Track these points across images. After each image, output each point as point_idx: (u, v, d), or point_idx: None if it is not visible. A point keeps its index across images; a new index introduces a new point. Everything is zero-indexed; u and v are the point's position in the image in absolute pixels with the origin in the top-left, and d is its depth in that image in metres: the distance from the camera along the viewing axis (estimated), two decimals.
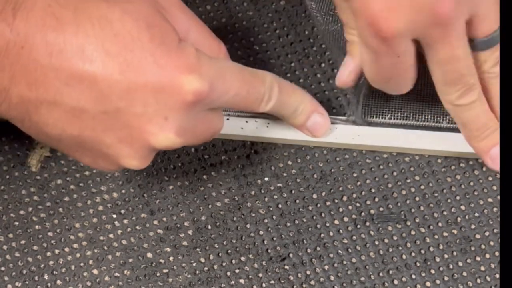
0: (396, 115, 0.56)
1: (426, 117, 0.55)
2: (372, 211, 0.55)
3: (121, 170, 0.52)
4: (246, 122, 0.56)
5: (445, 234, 0.54)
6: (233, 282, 0.53)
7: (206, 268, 0.54)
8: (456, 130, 0.55)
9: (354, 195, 0.55)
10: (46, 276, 0.54)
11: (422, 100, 0.56)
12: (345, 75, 0.53)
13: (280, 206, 0.55)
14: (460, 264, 0.53)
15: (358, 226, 0.54)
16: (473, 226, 0.54)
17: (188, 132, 0.46)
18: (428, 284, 0.53)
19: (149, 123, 0.45)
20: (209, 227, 0.55)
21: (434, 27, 0.46)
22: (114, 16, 0.44)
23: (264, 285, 0.53)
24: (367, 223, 0.54)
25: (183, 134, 0.46)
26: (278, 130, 0.56)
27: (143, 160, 0.47)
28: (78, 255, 0.54)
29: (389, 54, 0.47)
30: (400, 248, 0.54)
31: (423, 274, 0.53)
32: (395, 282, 0.53)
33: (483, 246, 0.54)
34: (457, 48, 0.47)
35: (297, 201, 0.55)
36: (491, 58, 0.49)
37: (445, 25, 0.46)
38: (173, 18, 0.47)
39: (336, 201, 0.55)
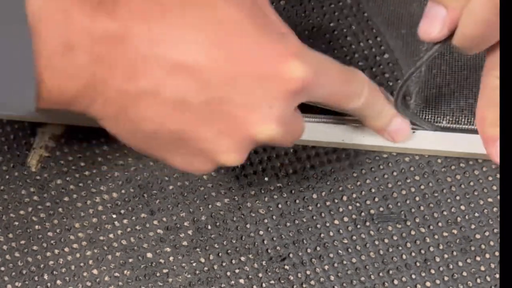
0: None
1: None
2: (372, 211, 0.55)
3: (214, 168, 0.48)
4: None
5: (445, 234, 0.54)
6: (233, 282, 0.53)
7: (206, 268, 0.54)
8: (455, 130, 0.55)
9: (354, 195, 0.55)
10: (46, 276, 0.54)
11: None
12: (436, 30, 0.47)
13: (280, 206, 0.55)
14: (460, 264, 0.53)
15: (358, 226, 0.54)
16: (473, 226, 0.54)
17: (287, 125, 0.45)
18: (428, 284, 0.53)
19: (253, 112, 0.44)
20: (209, 227, 0.55)
21: None
22: (219, 3, 0.43)
23: (264, 285, 0.53)
24: (367, 223, 0.54)
25: (283, 126, 0.45)
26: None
27: (241, 153, 0.45)
28: (78, 255, 0.54)
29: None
30: (400, 248, 0.54)
31: (423, 274, 0.53)
32: (395, 282, 0.53)
33: (483, 246, 0.54)
34: None
35: (297, 201, 0.55)
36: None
37: None
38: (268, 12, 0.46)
39: (336, 201, 0.55)
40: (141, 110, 0.43)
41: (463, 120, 0.55)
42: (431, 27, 0.47)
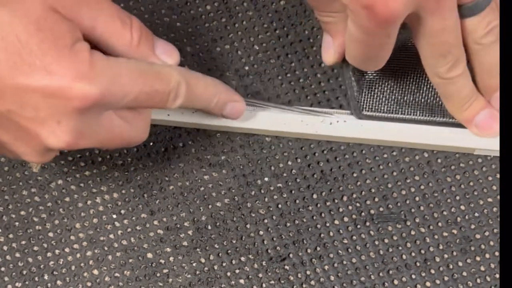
0: (392, 109, 0.56)
1: (422, 112, 0.55)
2: (372, 211, 0.55)
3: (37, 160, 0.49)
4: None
5: (445, 234, 0.54)
6: (233, 282, 0.53)
7: (206, 268, 0.54)
8: (447, 124, 0.55)
9: (354, 195, 0.55)
10: (46, 277, 0.54)
11: (419, 94, 0.56)
12: (331, 56, 0.55)
13: (280, 206, 0.55)
14: (460, 264, 0.53)
15: (358, 226, 0.54)
16: (473, 226, 0.54)
17: (87, 135, 0.46)
18: (428, 284, 0.53)
19: (41, 127, 0.45)
20: (209, 227, 0.55)
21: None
22: (3, 18, 0.43)
23: (264, 285, 0.53)
24: (367, 223, 0.54)
25: (81, 137, 0.45)
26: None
27: (42, 157, 0.47)
28: (78, 255, 0.54)
29: (381, 36, 0.47)
30: (400, 248, 0.54)
31: (423, 274, 0.53)
32: (395, 282, 0.53)
33: (483, 246, 0.54)
34: (449, 19, 0.47)
35: (297, 201, 0.55)
36: (480, 27, 0.49)
37: None
38: (75, 14, 0.46)
39: (336, 201, 0.55)
40: None
41: (398, 109, 0.56)
42: (326, 54, 0.55)
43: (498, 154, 0.55)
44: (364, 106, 0.56)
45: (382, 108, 0.56)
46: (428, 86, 0.55)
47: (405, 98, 0.56)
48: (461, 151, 0.55)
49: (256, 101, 0.57)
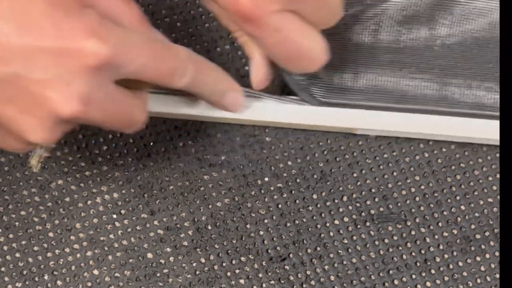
0: (350, 95, 0.56)
1: (380, 98, 0.55)
2: (372, 211, 0.55)
3: (29, 146, 0.48)
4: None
5: (445, 234, 0.54)
6: (233, 282, 0.53)
7: (206, 269, 0.54)
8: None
9: (354, 195, 0.55)
10: (46, 277, 0.54)
11: (376, 80, 0.56)
12: (260, 77, 0.53)
13: (280, 206, 0.55)
14: (460, 264, 0.53)
15: (358, 226, 0.54)
16: (473, 226, 0.54)
17: (93, 102, 0.44)
18: (428, 284, 0.53)
19: (50, 89, 0.43)
20: (209, 227, 0.55)
21: None
22: None
23: (264, 285, 0.53)
24: (367, 223, 0.54)
25: (88, 103, 0.44)
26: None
27: (49, 132, 0.45)
28: (78, 255, 0.54)
29: (267, 33, 0.47)
30: (400, 248, 0.54)
31: (423, 274, 0.53)
32: (396, 282, 0.53)
33: (483, 246, 0.54)
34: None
35: (297, 201, 0.55)
36: None
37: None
38: None
39: (336, 201, 0.55)
40: None
41: (345, 96, 0.56)
42: (256, 77, 0.53)
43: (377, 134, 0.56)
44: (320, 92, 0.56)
45: (338, 94, 0.56)
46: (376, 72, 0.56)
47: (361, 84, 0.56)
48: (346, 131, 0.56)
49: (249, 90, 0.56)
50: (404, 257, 0.54)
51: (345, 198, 0.55)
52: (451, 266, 0.53)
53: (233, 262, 0.54)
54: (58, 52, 0.43)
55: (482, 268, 0.53)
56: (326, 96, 0.56)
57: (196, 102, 0.56)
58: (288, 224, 0.55)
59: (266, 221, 0.55)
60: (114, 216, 0.55)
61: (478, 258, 0.54)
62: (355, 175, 0.56)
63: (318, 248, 0.54)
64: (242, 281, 0.53)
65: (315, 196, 0.55)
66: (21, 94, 0.43)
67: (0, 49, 0.42)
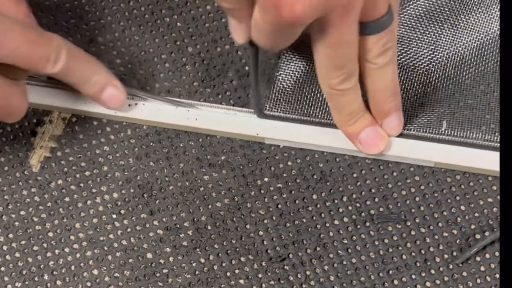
0: (299, 110, 0.56)
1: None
2: (372, 211, 0.55)
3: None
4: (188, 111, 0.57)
5: (445, 234, 0.54)
6: (233, 282, 0.53)
7: (206, 269, 0.54)
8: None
9: (354, 196, 0.55)
10: (46, 277, 0.54)
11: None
12: (240, 37, 0.51)
13: (279, 206, 0.55)
14: (460, 264, 0.53)
15: (358, 227, 0.54)
16: (473, 226, 0.54)
17: None
18: (428, 284, 0.53)
19: None
20: (209, 227, 0.55)
21: (336, 10, 0.45)
22: None
23: (264, 285, 0.53)
24: (367, 223, 0.54)
25: None
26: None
27: None
28: (78, 255, 0.54)
29: (285, 34, 0.47)
30: (400, 248, 0.54)
31: (423, 274, 0.53)
32: (395, 282, 0.53)
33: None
34: (349, 34, 0.47)
35: (297, 201, 0.55)
36: (376, 47, 0.49)
37: (347, 9, 0.45)
38: None
39: (336, 201, 0.55)
40: None
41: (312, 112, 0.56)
42: (236, 36, 0.50)
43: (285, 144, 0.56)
44: (269, 105, 0.56)
45: (287, 108, 0.56)
46: None
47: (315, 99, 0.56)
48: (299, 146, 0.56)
49: (139, 92, 0.57)
50: (404, 257, 0.54)
51: (345, 198, 0.55)
52: (451, 266, 0.53)
53: (233, 262, 0.54)
54: None
55: (482, 268, 0.53)
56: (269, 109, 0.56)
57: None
58: (288, 225, 0.55)
59: (265, 221, 0.55)
60: (114, 216, 0.55)
61: (478, 258, 0.53)
62: (355, 175, 0.56)
63: (318, 248, 0.54)
64: (241, 281, 0.53)
65: (315, 196, 0.55)
66: None
67: None
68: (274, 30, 0.46)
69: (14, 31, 0.48)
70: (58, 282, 0.54)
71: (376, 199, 0.55)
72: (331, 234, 0.54)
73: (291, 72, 0.57)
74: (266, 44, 0.49)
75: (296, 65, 0.57)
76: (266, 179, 0.56)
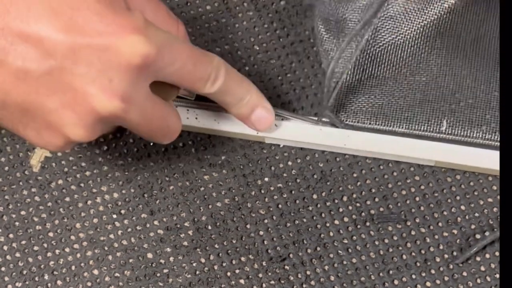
0: (374, 120, 0.56)
1: (404, 124, 0.55)
2: (372, 211, 0.55)
3: (67, 144, 0.47)
4: (187, 111, 0.56)
5: (445, 234, 0.54)
6: (233, 282, 0.53)
7: (206, 269, 0.54)
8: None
9: (354, 195, 0.55)
10: (46, 277, 0.54)
11: (401, 106, 0.56)
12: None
13: (280, 206, 0.55)
14: (460, 264, 0.53)
15: (358, 226, 0.54)
16: (473, 226, 0.54)
17: (133, 102, 0.45)
18: (428, 284, 0.53)
19: (92, 84, 0.44)
20: (209, 227, 0.55)
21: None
22: None
23: (264, 285, 0.53)
24: (367, 223, 0.54)
25: (128, 102, 0.45)
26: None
27: (88, 129, 0.45)
28: (78, 255, 0.54)
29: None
30: (400, 248, 0.54)
31: (423, 274, 0.53)
32: (395, 282, 0.53)
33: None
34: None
35: (297, 201, 0.55)
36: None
37: None
38: None
39: (336, 201, 0.55)
40: None
41: (376, 121, 0.56)
42: None
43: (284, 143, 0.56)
44: (344, 115, 0.56)
45: (364, 118, 0.56)
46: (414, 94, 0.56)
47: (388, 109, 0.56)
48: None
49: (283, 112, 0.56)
50: (404, 257, 0.54)
51: (345, 198, 0.55)
52: (451, 266, 0.53)
53: (233, 262, 0.54)
54: (103, 48, 0.43)
55: (482, 268, 0.53)
56: (352, 119, 0.56)
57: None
58: (288, 224, 0.55)
59: (266, 221, 0.55)
60: (114, 216, 0.55)
61: (478, 258, 0.54)
62: (355, 175, 0.56)
63: (318, 248, 0.54)
64: (242, 281, 0.53)
65: (315, 196, 0.55)
66: (64, 88, 0.44)
67: (49, 44, 0.43)
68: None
69: (182, 49, 0.47)
70: (59, 282, 0.54)
71: (376, 199, 0.55)
72: (331, 234, 0.54)
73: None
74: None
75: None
76: (266, 179, 0.56)
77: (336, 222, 0.55)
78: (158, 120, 0.48)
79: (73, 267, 0.54)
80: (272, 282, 0.53)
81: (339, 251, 0.54)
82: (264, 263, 0.54)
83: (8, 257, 0.54)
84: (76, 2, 0.43)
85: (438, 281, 0.53)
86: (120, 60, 0.44)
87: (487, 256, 0.53)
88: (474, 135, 0.55)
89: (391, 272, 0.53)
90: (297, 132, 0.55)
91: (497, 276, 0.53)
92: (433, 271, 0.53)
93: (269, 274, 0.53)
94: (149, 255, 0.54)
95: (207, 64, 0.49)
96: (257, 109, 0.53)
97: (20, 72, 0.43)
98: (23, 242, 0.55)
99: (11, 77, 0.43)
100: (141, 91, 0.46)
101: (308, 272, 0.53)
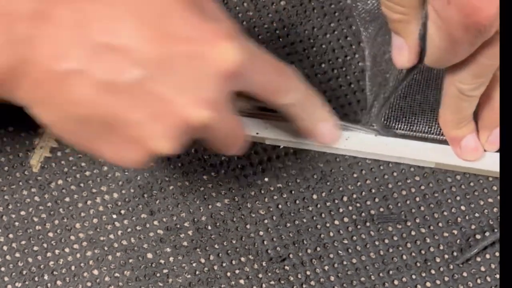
0: (418, 126, 0.56)
1: (404, 126, 0.55)
2: (372, 212, 0.55)
3: (146, 159, 0.45)
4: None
5: (445, 234, 0.54)
6: (233, 282, 0.53)
7: (206, 269, 0.54)
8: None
9: (354, 196, 0.55)
10: (46, 277, 0.54)
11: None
12: (405, 59, 0.49)
13: (280, 206, 0.55)
14: (461, 264, 0.53)
15: (358, 227, 0.54)
16: (473, 226, 0.54)
17: (222, 111, 0.44)
18: (428, 284, 0.53)
19: (182, 94, 0.42)
20: (209, 227, 0.55)
21: None
22: None
23: (264, 285, 0.53)
24: (367, 224, 0.54)
25: (217, 112, 0.43)
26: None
27: (174, 141, 0.43)
28: (78, 255, 0.54)
29: (474, 43, 0.46)
30: (400, 248, 0.54)
31: (424, 275, 0.53)
32: (396, 282, 0.53)
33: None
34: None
35: (297, 201, 0.55)
36: None
37: None
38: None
39: (336, 201, 0.55)
40: (70, 92, 0.41)
41: (428, 129, 0.56)
42: (398, 57, 0.49)
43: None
44: (388, 120, 0.56)
45: (405, 124, 0.56)
46: None
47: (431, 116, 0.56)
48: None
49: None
50: (404, 257, 0.54)
51: (345, 199, 0.55)
52: (451, 266, 0.53)
53: (233, 262, 0.54)
54: (195, 56, 0.42)
55: (482, 268, 0.53)
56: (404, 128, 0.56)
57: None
58: (288, 225, 0.55)
59: (266, 221, 0.55)
60: (114, 216, 0.55)
61: (478, 258, 0.53)
62: (355, 175, 0.56)
63: (318, 249, 0.54)
64: (242, 281, 0.53)
65: (315, 197, 0.55)
66: (151, 99, 0.42)
67: (138, 54, 0.41)
68: (458, 43, 0.45)
69: (269, 59, 0.46)
70: (58, 282, 0.54)
71: (377, 199, 0.55)
72: (331, 234, 0.54)
73: None
74: (441, 59, 0.48)
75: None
76: (266, 179, 0.56)
77: (336, 222, 0.54)
78: (237, 130, 0.47)
79: (73, 267, 0.54)
80: (272, 282, 0.53)
81: (339, 251, 0.54)
82: (264, 264, 0.54)
83: (7, 257, 0.54)
84: (164, 10, 0.42)
85: (438, 282, 0.53)
86: (211, 68, 0.42)
87: (487, 256, 0.53)
88: None
89: (391, 272, 0.53)
90: (297, 132, 0.55)
91: (497, 276, 0.53)
92: (433, 272, 0.53)
93: (269, 274, 0.53)
94: (149, 255, 0.54)
95: (288, 76, 0.48)
96: (322, 124, 0.53)
97: (106, 84, 0.41)
98: (23, 242, 0.55)
99: (96, 89, 0.41)
100: (228, 100, 0.44)
101: (308, 273, 0.53)
